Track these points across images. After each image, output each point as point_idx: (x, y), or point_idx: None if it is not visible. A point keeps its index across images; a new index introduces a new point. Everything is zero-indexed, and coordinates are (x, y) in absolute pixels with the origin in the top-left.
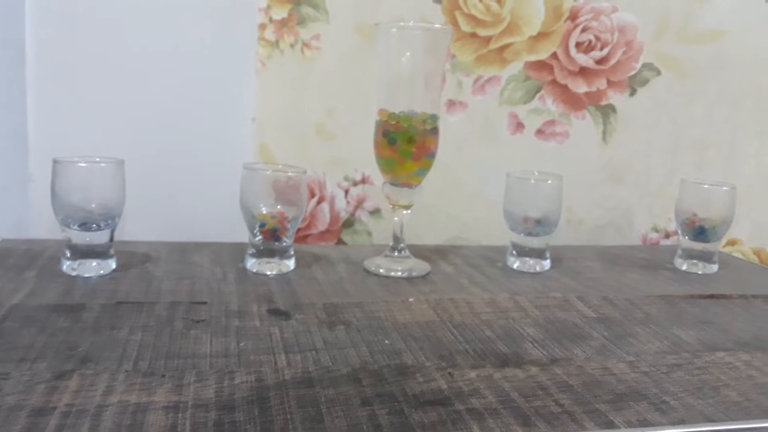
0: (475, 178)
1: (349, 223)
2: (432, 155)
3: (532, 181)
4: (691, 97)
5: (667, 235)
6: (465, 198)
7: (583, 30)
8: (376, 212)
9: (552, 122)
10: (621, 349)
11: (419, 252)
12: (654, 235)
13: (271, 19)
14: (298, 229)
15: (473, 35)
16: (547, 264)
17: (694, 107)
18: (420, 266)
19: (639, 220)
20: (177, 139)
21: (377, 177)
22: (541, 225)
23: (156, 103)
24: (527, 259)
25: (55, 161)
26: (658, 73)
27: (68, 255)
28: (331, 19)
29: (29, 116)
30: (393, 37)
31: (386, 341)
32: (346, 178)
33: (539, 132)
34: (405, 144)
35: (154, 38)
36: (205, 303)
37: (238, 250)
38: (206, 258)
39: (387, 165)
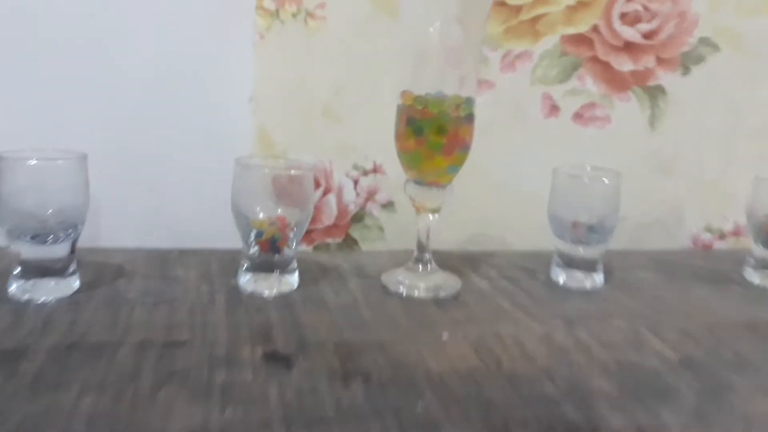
0: (500, 168)
1: (358, 218)
2: (466, 148)
3: (585, 180)
4: (753, 78)
5: (722, 236)
6: (488, 190)
7: None
8: (388, 205)
9: (592, 105)
10: (722, 411)
11: (444, 261)
12: (707, 236)
13: None
14: None
15: (501, 3)
16: (599, 279)
17: (757, 89)
18: (449, 282)
19: (690, 218)
20: (159, 124)
21: (390, 166)
22: (593, 232)
23: (132, 82)
24: (576, 272)
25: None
26: (716, 48)
27: (18, 274)
28: None
29: None
30: (420, 1)
31: (419, 404)
32: (355, 167)
33: (577, 116)
34: (434, 134)
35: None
36: (184, 343)
37: (231, 260)
38: (192, 271)
39: (411, 160)
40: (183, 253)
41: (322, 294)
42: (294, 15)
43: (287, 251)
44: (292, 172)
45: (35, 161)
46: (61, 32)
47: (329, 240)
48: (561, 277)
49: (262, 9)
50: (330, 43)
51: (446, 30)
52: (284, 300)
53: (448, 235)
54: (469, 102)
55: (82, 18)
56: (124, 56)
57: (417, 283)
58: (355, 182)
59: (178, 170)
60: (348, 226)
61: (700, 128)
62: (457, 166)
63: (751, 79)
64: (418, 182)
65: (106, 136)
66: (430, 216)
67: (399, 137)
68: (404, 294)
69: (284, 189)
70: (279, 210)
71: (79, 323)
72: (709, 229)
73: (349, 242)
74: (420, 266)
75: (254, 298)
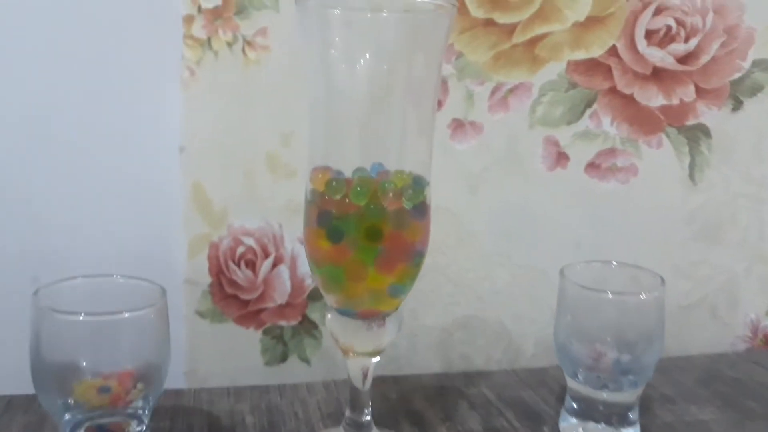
0: (496, 233)
1: (318, 294)
2: (419, 255)
3: (610, 296)
4: None
5: None
6: (481, 261)
7: (658, 12)
8: None
9: (611, 152)
10: None
11: (403, 399)
12: None
13: (200, 9)
14: (247, 302)
15: (489, 22)
16: None
17: None
18: None
19: (746, 299)
20: (56, 190)
21: None
22: (626, 370)
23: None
24: (598, 426)
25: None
26: None
27: None
28: (282, 6)
29: None
30: (335, 24)
31: None
32: None
33: (591, 166)
34: (362, 239)
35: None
36: None
37: None
38: None
39: (330, 278)
40: (11, 404)
41: None
42: (229, 44)
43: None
44: (111, 317)
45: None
46: None
47: (282, 323)
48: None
49: (191, 38)
50: (275, 79)
51: (380, 66)
52: None
53: (429, 319)
54: (418, 183)
55: None
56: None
57: None
58: None
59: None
60: (305, 305)
61: (758, 181)
62: (404, 284)
63: None
64: (344, 312)
65: None
66: (364, 360)
67: (307, 240)
68: None
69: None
70: (121, 365)
71: None
72: None
73: (307, 326)
74: None
75: None
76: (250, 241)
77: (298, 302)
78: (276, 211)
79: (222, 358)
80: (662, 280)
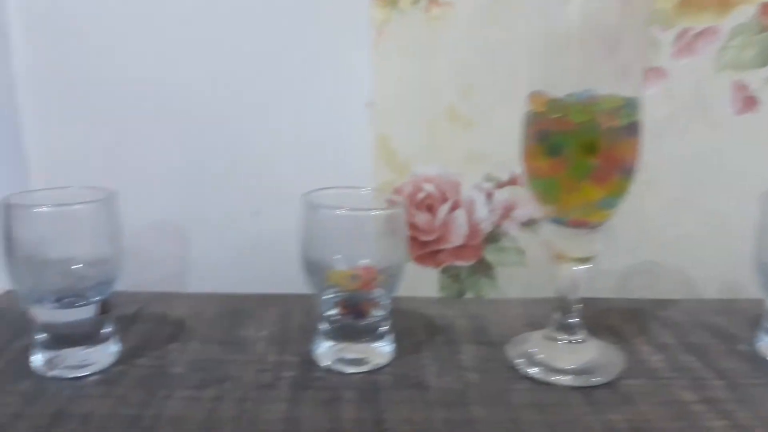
0: (679, 179)
1: (493, 237)
2: (629, 171)
3: None
4: None
5: None
6: (665, 207)
7: None
8: (530, 224)
9: None
10: None
11: (595, 317)
12: None
13: None
14: (426, 243)
15: None
16: None
17: None
18: (605, 360)
19: None
20: (261, 138)
21: None
22: None
23: (225, 90)
24: None
25: (5, 204)
26: None
27: (41, 341)
28: None
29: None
30: None
31: None
32: (488, 178)
33: None
34: (579, 154)
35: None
36: None
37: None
38: (264, 330)
39: (546, 190)
40: (262, 302)
41: (422, 372)
42: (414, 2)
43: (376, 313)
44: (374, 212)
45: (46, 209)
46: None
47: (459, 263)
48: None
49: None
50: (456, 34)
51: (594, 4)
52: (369, 382)
53: (608, 263)
54: (630, 105)
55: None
56: (223, 58)
57: (557, 362)
58: (489, 196)
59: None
60: (481, 248)
61: None
62: (614, 197)
63: None
64: (557, 221)
65: (198, 150)
66: (576, 266)
67: (527, 156)
68: (537, 377)
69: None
70: (363, 260)
71: (95, 416)
72: None
73: (483, 266)
74: (564, 336)
75: (331, 377)
76: (430, 187)
77: (474, 244)
78: (455, 160)
79: (404, 292)
80: None
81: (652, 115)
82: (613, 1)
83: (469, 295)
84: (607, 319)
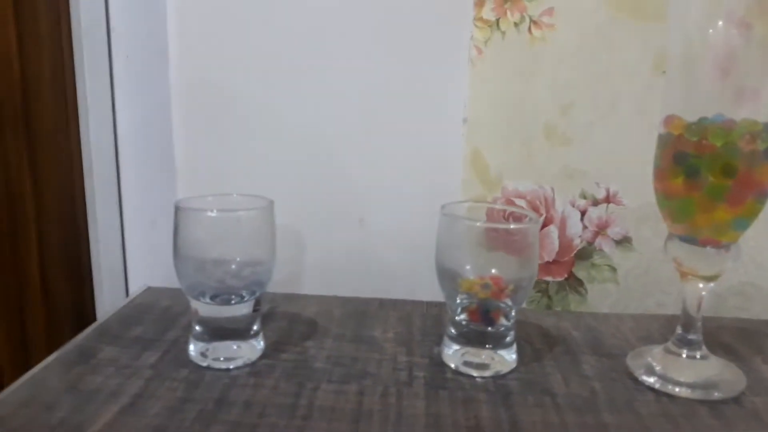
0: None
1: (585, 254)
2: (764, 195)
3: None
4: None
5: None
6: (761, 230)
7: None
8: (624, 242)
9: None
10: None
11: (712, 334)
12: None
13: None
14: None
15: None
16: None
17: None
18: (727, 376)
19: None
20: (364, 154)
21: (628, 194)
22: None
23: (345, 104)
24: None
25: (177, 207)
26: None
27: (197, 333)
28: None
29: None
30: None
31: None
32: (583, 195)
33: None
34: (717, 176)
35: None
36: None
37: (435, 317)
38: (390, 332)
39: (680, 209)
40: (383, 306)
41: (547, 379)
42: (516, 24)
43: (503, 322)
44: (511, 228)
45: (213, 213)
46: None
47: (548, 278)
48: None
49: (481, 20)
50: (558, 54)
51: (728, 32)
52: (498, 386)
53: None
54: None
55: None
56: (342, 83)
57: (679, 376)
58: (583, 213)
59: (384, 205)
60: (572, 264)
61: None
62: (747, 218)
63: None
64: (686, 239)
65: (318, 164)
66: (701, 284)
67: (662, 177)
68: (658, 388)
69: (501, 243)
70: (493, 269)
71: (255, 403)
72: None
73: (573, 283)
74: (685, 351)
75: (460, 379)
76: (521, 203)
77: (565, 260)
78: (549, 176)
79: None
80: None
81: None
82: (744, 31)
83: (555, 310)
84: (719, 337)
